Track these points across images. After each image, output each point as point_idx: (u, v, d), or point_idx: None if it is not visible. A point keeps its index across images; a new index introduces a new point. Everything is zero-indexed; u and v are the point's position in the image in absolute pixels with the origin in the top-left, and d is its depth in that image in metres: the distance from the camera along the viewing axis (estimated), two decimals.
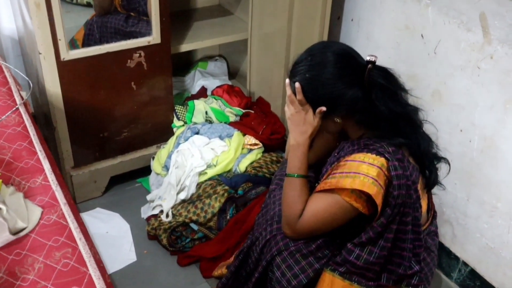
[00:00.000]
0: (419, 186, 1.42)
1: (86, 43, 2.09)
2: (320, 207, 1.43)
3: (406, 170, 1.36)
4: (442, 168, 1.54)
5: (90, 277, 1.21)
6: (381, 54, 1.95)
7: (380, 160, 1.35)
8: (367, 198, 1.36)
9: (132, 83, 2.13)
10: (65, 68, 1.95)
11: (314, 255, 1.51)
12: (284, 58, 2.26)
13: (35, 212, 1.36)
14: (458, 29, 1.69)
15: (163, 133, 2.32)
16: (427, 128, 1.52)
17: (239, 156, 2.19)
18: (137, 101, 2.18)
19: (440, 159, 1.53)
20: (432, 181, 1.49)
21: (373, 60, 1.37)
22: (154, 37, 2.07)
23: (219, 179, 2.10)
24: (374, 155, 1.37)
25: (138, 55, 2.08)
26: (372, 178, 1.33)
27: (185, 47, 2.30)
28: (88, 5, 2.17)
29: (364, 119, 1.43)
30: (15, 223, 1.29)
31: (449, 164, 1.53)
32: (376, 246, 1.40)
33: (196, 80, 2.64)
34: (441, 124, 1.84)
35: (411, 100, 1.45)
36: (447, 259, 2.00)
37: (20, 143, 1.60)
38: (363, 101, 1.40)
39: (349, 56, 1.41)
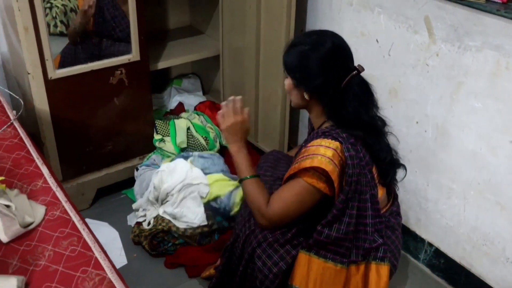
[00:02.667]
0: (375, 172, 1.63)
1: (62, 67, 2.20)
2: (286, 192, 1.61)
3: (358, 152, 1.57)
4: (403, 172, 1.80)
5: (96, 259, 1.35)
6: None
7: (335, 144, 1.55)
8: (326, 178, 1.55)
9: (115, 98, 2.29)
10: (52, 87, 2.10)
11: (290, 243, 1.68)
12: (254, 71, 2.45)
13: (40, 209, 1.49)
14: (407, 32, 1.92)
15: (144, 145, 2.47)
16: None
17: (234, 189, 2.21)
18: (119, 116, 2.33)
19: (399, 165, 1.75)
20: (388, 181, 1.71)
21: (360, 70, 1.61)
22: (134, 55, 2.24)
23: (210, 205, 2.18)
24: (329, 140, 1.56)
25: (119, 72, 2.24)
26: (328, 158, 1.53)
27: (161, 64, 2.48)
28: (62, 34, 2.28)
29: (329, 111, 1.63)
30: (23, 218, 1.42)
31: (405, 170, 1.77)
32: (342, 223, 1.58)
33: (173, 96, 2.81)
34: (399, 119, 2.05)
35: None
36: (413, 242, 2.19)
37: (18, 153, 1.74)
38: (334, 96, 1.60)
39: (345, 52, 1.64)
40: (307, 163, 1.55)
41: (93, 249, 1.39)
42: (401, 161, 1.77)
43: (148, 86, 2.37)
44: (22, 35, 1.96)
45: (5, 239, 1.38)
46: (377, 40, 2.04)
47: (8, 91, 2.03)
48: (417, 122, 2.00)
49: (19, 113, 1.93)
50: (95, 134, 2.30)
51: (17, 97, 2.01)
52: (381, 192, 1.69)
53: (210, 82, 3.01)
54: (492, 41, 1.67)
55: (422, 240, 2.16)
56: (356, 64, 1.63)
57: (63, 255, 1.36)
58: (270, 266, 1.68)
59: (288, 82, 1.67)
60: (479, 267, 1.97)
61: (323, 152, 1.55)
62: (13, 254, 1.36)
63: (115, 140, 2.38)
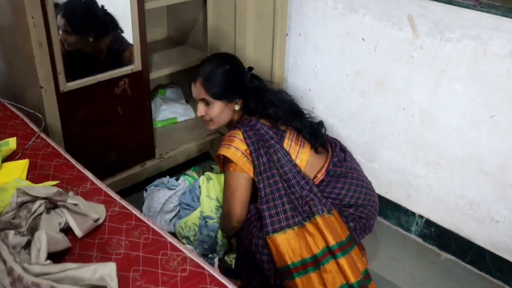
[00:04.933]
0: (287, 141, 1.99)
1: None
2: (225, 190, 2.00)
3: (259, 130, 1.95)
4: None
5: (171, 243, 1.48)
6: (328, 59, 2.42)
7: (236, 132, 1.98)
8: (236, 162, 1.95)
9: (119, 108, 2.39)
10: (63, 99, 2.17)
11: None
12: None
13: (100, 207, 1.59)
14: (391, 29, 2.19)
15: (144, 153, 2.58)
16: None
17: None
18: (122, 125, 2.43)
19: (319, 124, 2.15)
20: (311, 138, 2.06)
21: (250, 69, 2.10)
22: (136, 65, 2.36)
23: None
24: (233, 130, 1.99)
25: (123, 82, 2.35)
26: (228, 144, 1.96)
27: (154, 74, 2.60)
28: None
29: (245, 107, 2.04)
30: (91, 214, 1.52)
31: (324, 128, 2.16)
32: (273, 192, 1.89)
33: (159, 105, 2.93)
34: (387, 106, 2.32)
35: None
36: (405, 216, 2.46)
37: (57, 160, 1.82)
38: (250, 92, 2.04)
39: (239, 60, 2.11)
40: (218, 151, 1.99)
41: (164, 235, 1.52)
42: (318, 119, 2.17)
43: (148, 95, 2.49)
44: (36, 50, 2.03)
45: (80, 234, 1.48)
46: (363, 39, 2.29)
47: (25, 107, 2.08)
48: (404, 109, 2.28)
49: (42, 126, 2.00)
50: (101, 143, 2.39)
51: (37, 113, 2.07)
52: (307, 154, 2.01)
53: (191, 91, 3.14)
54: (470, 32, 1.97)
55: (413, 214, 2.43)
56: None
57: (139, 243, 1.48)
58: (266, 259, 1.92)
59: (219, 105, 2.01)
60: (467, 230, 2.27)
61: (226, 141, 1.97)
62: (91, 247, 1.47)
63: (118, 149, 2.47)
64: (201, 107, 2.06)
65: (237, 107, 2.03)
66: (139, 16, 2.27)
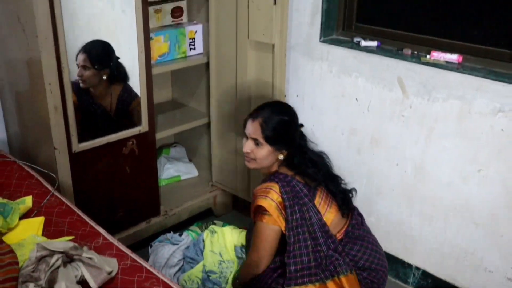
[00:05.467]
0: (317, 199, 2.04)
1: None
2: (255, 239, 2.03)
3: (294, 187, 2.01)
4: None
5: None
6: (324, 118, 2.57)
7: (273, 184, 2.02)
8: (271, 215, 1.98)
9: (127, 167, 2.51)
10: (75, 159, 2.30)
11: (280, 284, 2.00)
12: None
13: (113, 260, 1.69)
14: (383, 90, 2.35)
15: (150, 210, 2.68)
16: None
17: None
18: (130, 183, 2.55)
19: (350, 191, 2.19)
20: (343, 204, 2.12)
21: (302, 125, 2.15)
22: (143, 126, 2.50)
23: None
24: (270, 183, 2.03)
25: (131, 142, 2.48)
26: (265, 195, 1.99)
27: (159, 134, 2.74)
28: None
29: (292, 160, 2.09)
30: (105, 267, 1.61)
31: (355, 191, 2.21)
32: (301, 248, 1.94)
33: (163, 164, 3.06)
34: (381, 162, 2.45)
35: None
36: (402, 268, 2.53)
37: (71, 217, 1.92)
38: (295, 149, 2.10)
39: (296, 117, 2.15)
40: (259, 201, 2.00)
41: (173, 286, 1.60)
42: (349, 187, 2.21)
43: (154, 155, 2.62)
44: (52, 114, 2.18)
45: (94, 286, 1.56)
46: (356, 99, 2.45)
47: (43, 169, 2.21)
48: (397, 164, 2.41)
49: (56, 185, 2.12)
50: (109, 201, 2.49)
51: (50, 173, 2.19)
52: (333, 215, 2.07)
53: (193, 150, 3.29)
54: (455, 93, 2.13)
55: (409, 266, 2.51)
56: None
57: None
58: None
59: (267, 149, 2.06)
60: (462, 280, 2.35)
61: (262, 192, 2.01)
62: None
63: (125, 206, 2.57)
64: (250, 144, 2.07)
65: (281, 157, 2.07)
66: (147, 80, 2.44)
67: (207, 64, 2.90)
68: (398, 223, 2.49)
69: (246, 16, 2.50)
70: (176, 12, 2.85)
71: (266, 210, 1.98)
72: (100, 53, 2.36)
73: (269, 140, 2.04)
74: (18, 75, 2.37)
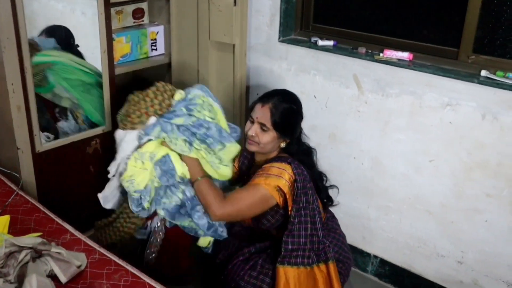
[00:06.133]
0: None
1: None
2: (245, 195, 1.99)
3: (303, 171, 2.02)
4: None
5: (149, 284, 1.62)
6: None
7: (286, 165, 2.00)
8: (280, 191, 1.99)
9: (91, 166, 2.53)
10: (39, 160, 2.30)
11: (265, 261, 2.04)
12: None
13: (81, 255, 1.72)
14: (340, 87, 2.46)
15: None
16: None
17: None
18: (94, 183, 2.56)
19: (331, 186, 2.26)
20: (328, 199, 2.22)
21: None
22: (107, 126, 2.53)
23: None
24: (281, 163, 2.02)
25: (95, 142, 2.51)
26: (278, 175, 1.98)
27: None
28: None
29: (288, 148, 2.12)
30: (73, 261, 1.65)
31: (337, 188, 2.27)
32: (301, 230, 1.99)
33: None
34: (340, 156, 2.55)
35: None
36: (361, 257, 2.65)
37: (37, 215, 1.95)
38: (295, 140, 2.11)
39: (302, 108, 2.17)
40: (260, 180, 1.98)
41: (142, 276, 1.66)
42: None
43: None
44: (14, 114, 2.18)
45: (64, 279, 1.60)
46: (315, 96, 2.55)
47: (5, 169, 2.21)
48: (354, 158, 2.52)
49: (20, 185, 2.13)
50: (74, 201, 2.50)
51: (14, 173, 2.20)
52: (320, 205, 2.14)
53: None
54: (407, 88, 2.26)
55: (368, 255, 2.62)
56: None
57: (119, 285, 1.61)
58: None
59: (273, 135, 2.06)
60: (417, 266, 2.47)
61: (276, 172, 1.99)
62: None
63: (91, 205, 2.58)
64: (256, 128, 2.06)
65: (283, 145, 2.10)
66: (110, 80, 2.47)
67: (168, 64, 2.95)
68: (356, 215, 2.60)
69: (207, 17, 2.57)
70: (137, 14, 2.89)
71: (281, 190, 1.97)
72: (62, 37, 2.40)
73: (276, 126, 2.04)
74: None
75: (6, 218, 1.90)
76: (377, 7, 2.44)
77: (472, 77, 2.08)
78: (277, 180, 1.97)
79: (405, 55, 2.26)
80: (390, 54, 2.29)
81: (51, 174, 2.39)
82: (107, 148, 2.56)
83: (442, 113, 2.19)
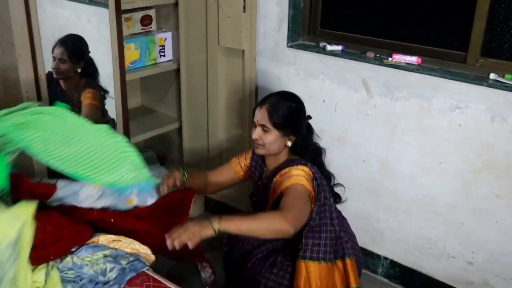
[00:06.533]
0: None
1: None
2: (293, 199, 1.94)
3: (317, 171, 2.06)
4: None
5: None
6: None
7: (303, 167, 2.03)
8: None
9: None
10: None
11: (284, 258, 2.06)
12: (219, 140, 2.88)
13: None
14: (348, 91, 2.49)
15: None
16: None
17: None
18: None
19: (337, 184, 2.29)
20: (336, 198, 2.23)
21: (309, 117, 2.19)
22: (119, 132, 2.55)
23: None
24: (298, 166, 2.04)
25: None
26: (300, 176, 1.99)
27: (133, 139, 2.80)
28: None
29: (297, 149, 2.13)
30: None
31: (343, 187, 2.30)
32: (322, 226, 2.02)
33: None
34: (348, 159, 2.59)
35: None
36: (371, 259, 2.68)
37: None
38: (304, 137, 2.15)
39: (303, 105, 2.18)
40: (288, 183, 1.98)
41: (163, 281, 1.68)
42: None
43: None
44: None
45: None
46: (323, 100, 2.59)
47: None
48: (363, 160, 2.55)
49: None
50: None
51: None
52: None
53: (164, 155, 3.35)
54: (415, 92, 2.30)
55: (378, 256, 2.65)
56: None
57: None
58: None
59: (275, 134, 2.08)
60: (427, 267, 2.51)
61: (297, 173, 2.01)
62: None
63: None
64: (258, 131, 2.10)
65: (289, 143, 2.11)
66: (121, 87, 2.50)
67: (176, 71, 2.98)
68: (365, 217, 2.63)
69: (216, 23, 2.60)
70: (145, 20, 2.92)
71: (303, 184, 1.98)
72: (76, 47, 2.44)
73: (276, 125, 2.06)
74: None
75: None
76: (384, 12, 2.48)
77: (480, 80, 2.12)
78: (298, 179, 1.99)
79: (413, 59, 2.30)
80: (399, 58, 2.33)
81: None
82: None
83: (451, 116, 2.23)
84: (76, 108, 2.47)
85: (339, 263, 2.04)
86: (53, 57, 2.34)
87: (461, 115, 2.21)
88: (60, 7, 2.83)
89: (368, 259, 2.68)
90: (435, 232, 2.43)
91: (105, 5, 2.54)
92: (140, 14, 2.89)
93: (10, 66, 2.16)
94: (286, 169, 2.05)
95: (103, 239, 1.70)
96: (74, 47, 2.41)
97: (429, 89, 2.26)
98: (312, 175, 2.03)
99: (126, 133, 2.59)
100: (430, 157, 2.34)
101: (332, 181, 2.27)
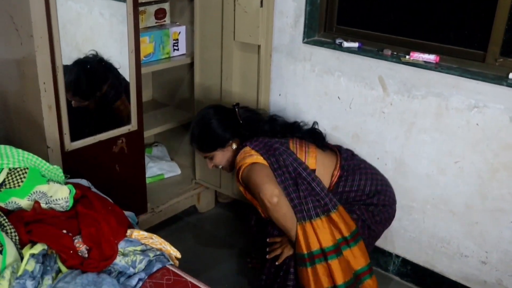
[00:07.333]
0: (293, 145, 2.26)
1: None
2: (255, 179, 2.11)
3: (261, 143, 2.21)
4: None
5: (192, 283, 1.64)
6: (306, 116, 2.69)
7: (243, 150, 2.22)
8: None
9: (116, 165, 2.55)
10: (68, 158, 2.32)
11: None
12: None
13: None
14: (364, 89, 2.48)
15: (138, 207, 2.72)
16: None
17: None
18: (119, 182, 2.58)
19: (317, 129, 2.44)
20: (315, 139, 2.35)
21: (234, 104, 2.39)
22: (133, 125, 2.55)
23: None
24: (240, 154, 2.23)
25: (121, 141, 2.52)
26: (243, 158, 2.19)
27: (146, 133, 2.79)
28: None
29: (243, 138, 2.29)
30: None
31: (317, 123, 2.48)
32: (287, 188, 2.13)
33: (146, 163, 3.10)
34: (363, 157, 2.57)
35: None
36: (382, 256, 2.68)
37: None
38: (241, 127, 2.32)
39: (221, 107, 2.41)
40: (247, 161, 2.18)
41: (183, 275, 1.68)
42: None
43: (143, 153, 2.67)
44: (45, 113, 2.20)
45: None
46: (338, 97, 2.58)
47: None
48: (378, 158, 2.54)
49: None
50: None
51: None
52: (314, 155, 2.26)
53: (174, 149, 3.34)
54: (433, 90, 2.29)
55: (390, 254, 2.65)
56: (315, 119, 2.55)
57: (162, 284, 1.63)
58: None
59: (217, 154, 2.35)
60: (440, 266, 2.51)
61: (240, 158, 2.21)
62: None
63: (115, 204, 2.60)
64: (208, 162, 2.43)
65: (234, 146, 2.33)
66: (136, 80, 2.49)
67: (190, 65, 2.97)
68: None
69: (232, 18, 2.59)
70: (159, 14, 2.91)
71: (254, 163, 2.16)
72: (88, 89, 2.46)
73: (209, 150, 2.35)
74: (5, 75, 2.37)
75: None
76: (402, 9, 2.47)
77: (500, 79, 2.11)
78: (248, 159, 2.16)
79: (431, 58, 2.29)
80: (417, 56, 2.32)
81: (79, 173, 2.39)
82: (133, 147, 2.58)
83: (468, 115, 2.22)
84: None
85: (336, 213, 2.12)
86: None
87: (479, 114, 2.20)
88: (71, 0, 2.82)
89: (379, 257, 2.68)
90: (449, 231, 2.43)
91: None
92: (154, 8, 2.87)
93: (28, 57, 2.14)
94: (237, 158, 2.24)
95: (136, 234, 1.71)
96: (86, 92, 2.44)
97: (447, 88, 2.25)
98: (251, 150, 2.19)
99: (140, 127, 2.58)
100: (447, 156, 2.34)
101: (303, 125, 2.42)
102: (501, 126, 2.16)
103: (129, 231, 1.73)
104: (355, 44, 2.49)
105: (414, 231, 2.54)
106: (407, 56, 2.34)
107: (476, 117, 2.21)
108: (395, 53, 2.40)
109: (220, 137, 2.33)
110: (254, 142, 2.22)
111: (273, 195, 2.06)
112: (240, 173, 2.19)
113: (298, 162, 2.19)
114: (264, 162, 2.16)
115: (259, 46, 2.59)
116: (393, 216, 2.35)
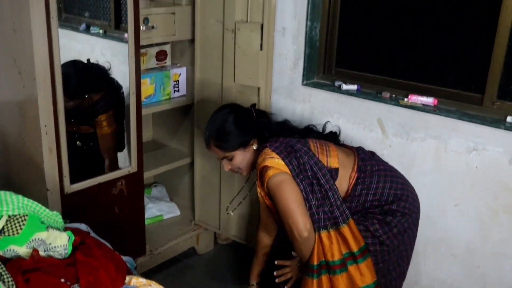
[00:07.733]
0: (313, 146, 2.15)
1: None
2: (284, 202, 2.03)
3: (282, 144, 2.11)
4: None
5: None
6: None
7: (264, 152, 2.11)
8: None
9: (115, 208, 2.54)
10: (67, 200, 2.31)
11: None
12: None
13: None
14: (363, 131, 2.50)
15: (137, 249, 2.70)
16: None
17: None
18: (118, 224, 2.56)
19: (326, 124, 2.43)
20: (332, 137, 2.34)
21: (252, 105, 2.36)
22: (133, 167, 2.55)
23: None
24: (261, 156, 2.12)
25: (120, 183, 2.52)
26: (271, 158, 2.08)
27: (145, 174, 2.79)
28: None
29: (262, 139, 2.21)
30: None
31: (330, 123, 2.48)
32: (308, 194, 2.05)
33: (145, 204, 3.08)
34: None
35: None
36: None
37: None
38: (258, 127, 2.24)
39: (236, 105, 2.34)
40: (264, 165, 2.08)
41: None
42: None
43: (142, 195, 2.66)
44: (46, 156, 2.20)
45: None
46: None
47: None
48: None
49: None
50: None
51: None
52: (336, 154, 2.16)
53: (174, 189, 3.33)
54: (432, 133, 2.30)
55: None
56: None
57: None
58: None
59: (238, 154, 2.20)
60: None
61: (260, 161, 2.10)
62: None
63: (113, 247, 2.56)
64: (225, 164, 2.24)
65: (255, 147, 2.20)
66: (137, 121, 2.50)
67: (189, 106, 2.99)
68: None
69: (232, 60, 2.63)
70: (161, 55, 2.95)
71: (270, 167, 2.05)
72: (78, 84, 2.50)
73: (231, 149, 2.19)
74: (6, 117, 2.38)
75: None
76: (400, 52, 2.51)
77: (498, 123, 2.13)
78: (269, 161, 2.05)
79: (430, 100, 2.31)
80: (415, 99, 2.34)
81: (78, 216, 2.38)
82: (132, 189, 2.58)
83: (467, 158, 2.23)
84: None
85: (346, 227, 2.03)
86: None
87: (478, 157, 2.21)
88: (74, 39, 2.87)
89: None
90: (450, 275, 2.40)
91: (120, 39, 2.59)
92: (155, 49, 2.92)
93: (30, 99, 2.16)
94: (258, 162, 2.12)
95: (135, 281, 1.69)
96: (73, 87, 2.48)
97: (446, 130, 2.27)
98: (271, 152, 2.07)
99: (140, 169, 2.59)
100: (446, 199, 2.33)
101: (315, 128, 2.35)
102: (500, 169, 2.16)
103: (127, 278, 1.71)
104: (354, 87, 2.52)
105: (415, 274, 2.51)
106: (406, 99, 2.36)
107: (475, 160, 2.22)
108: (393, 95, 2.42)
109: (243, 136, 2.20)
110: (274, 144, 2.12)
111: (305, 230, 1.99)
112: (266, 180, 2.07)
113: (318, 167, 2.08)
114: (286, 169, 2.06)
115: (258, 88, 2.63)
116: (415, 227, 2.18)
